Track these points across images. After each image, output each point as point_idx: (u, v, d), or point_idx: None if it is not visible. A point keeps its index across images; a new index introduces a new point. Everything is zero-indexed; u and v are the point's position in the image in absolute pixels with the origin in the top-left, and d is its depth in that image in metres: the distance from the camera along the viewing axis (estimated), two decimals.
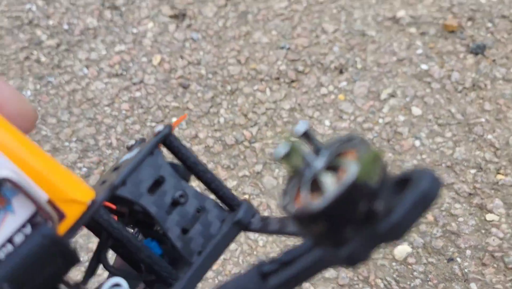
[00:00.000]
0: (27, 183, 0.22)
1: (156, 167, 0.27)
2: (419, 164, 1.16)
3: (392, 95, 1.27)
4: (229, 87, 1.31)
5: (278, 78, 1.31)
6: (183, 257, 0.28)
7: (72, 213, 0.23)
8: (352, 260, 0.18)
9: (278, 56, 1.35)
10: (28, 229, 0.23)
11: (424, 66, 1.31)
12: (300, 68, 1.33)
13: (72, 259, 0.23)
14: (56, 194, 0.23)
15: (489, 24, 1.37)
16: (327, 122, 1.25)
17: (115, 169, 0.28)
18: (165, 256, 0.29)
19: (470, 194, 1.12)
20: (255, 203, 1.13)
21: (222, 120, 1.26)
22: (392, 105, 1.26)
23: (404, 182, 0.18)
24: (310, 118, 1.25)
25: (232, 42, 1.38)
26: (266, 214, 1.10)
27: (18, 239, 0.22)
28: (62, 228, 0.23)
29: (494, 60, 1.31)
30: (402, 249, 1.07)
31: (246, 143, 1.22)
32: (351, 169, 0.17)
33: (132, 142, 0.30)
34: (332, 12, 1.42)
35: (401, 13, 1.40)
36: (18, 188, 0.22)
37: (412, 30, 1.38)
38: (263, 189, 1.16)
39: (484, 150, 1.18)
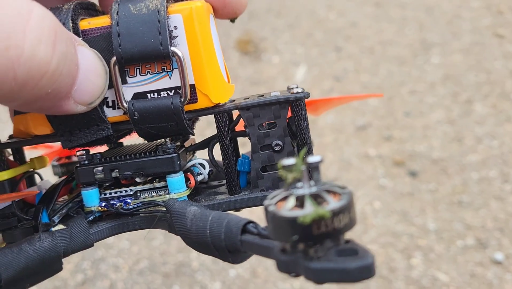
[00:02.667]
0: (186, 66, 0.31)
1: (277, 115, 0.33)
2: None
3: None
4: None
5: None
6: (250, 184, 0.34)
7: (202, 103, 0.32)
8: (280, 267, 0.23)
9: None
10: (170, 93, 0.32)
11: None
12: None
13: (181, 128, 0.32)
14: (201, 85, 0.32)
15: None
16: None
17: (261, 95, 0.35)
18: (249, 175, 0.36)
19: None
20: None
21: None
22: None
23: (352, 251, 0.22)
24: None
25: None
26: None
27: (162, 94, 0.32)
28: (189, 107, 0.32)
29: None
30: None
31: None
32: (305, 209, 0.22)
33: (294, 86, 0.34)
34: None
35: None
36: (179, 65, 0.31)
37: None
38: None
39: None
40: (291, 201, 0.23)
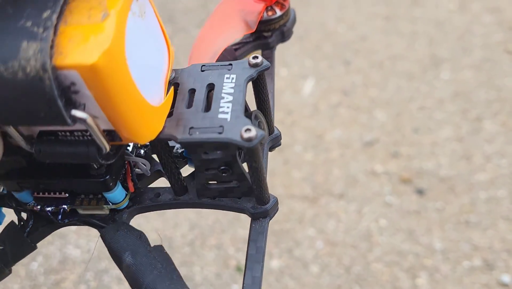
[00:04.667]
0: (98, 123, 0.24)
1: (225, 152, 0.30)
2: None
3: None
4: None
5: None
6: (197, 193, 0.33)
7: (128, 141, 0.26)
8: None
9: None
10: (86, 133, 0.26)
11: None
12: None
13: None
14: (121, 131, 0.25)
15: None
16: None
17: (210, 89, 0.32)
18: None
19: None
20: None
21: None
22: None
23: None
24: None
25: None
26: None
27: (76, 133, 0.26)
28: (115, 144, 0.26)
29: None
30: None
31: None
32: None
33: (257, 58, 0.31)
34: None
35: None
36: (88, 128, 0.24)
37: None
38: None
39: None
40: None
